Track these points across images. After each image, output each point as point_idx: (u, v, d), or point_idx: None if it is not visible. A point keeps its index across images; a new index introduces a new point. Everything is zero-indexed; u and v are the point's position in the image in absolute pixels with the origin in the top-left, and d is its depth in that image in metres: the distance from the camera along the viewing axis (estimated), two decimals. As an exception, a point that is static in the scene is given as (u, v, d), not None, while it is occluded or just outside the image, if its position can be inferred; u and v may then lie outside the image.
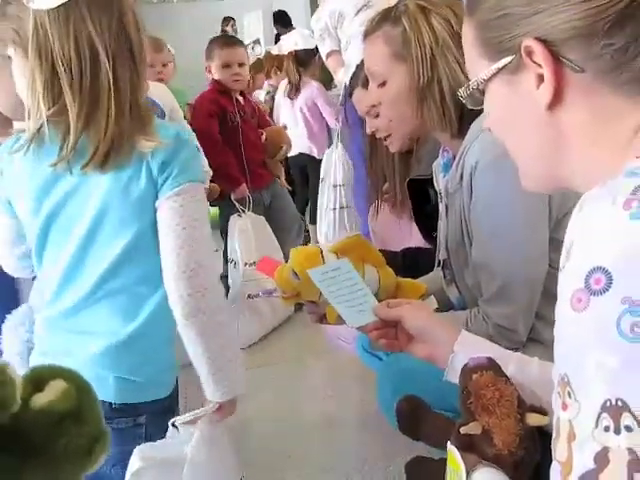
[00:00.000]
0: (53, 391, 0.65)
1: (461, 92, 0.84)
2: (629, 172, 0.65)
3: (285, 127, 4.10)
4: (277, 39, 5.96)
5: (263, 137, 3.26)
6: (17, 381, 0.63)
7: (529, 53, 0.71)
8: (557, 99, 0.71)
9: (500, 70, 0.76)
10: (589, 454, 0.61)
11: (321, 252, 1.37)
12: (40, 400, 0.64)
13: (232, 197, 2.99)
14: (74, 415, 0.66)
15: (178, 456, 1.16)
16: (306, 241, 3.86)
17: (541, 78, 0.71)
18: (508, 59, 0.74)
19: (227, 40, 3.24)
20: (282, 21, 7.41)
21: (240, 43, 3.26)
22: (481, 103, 0.83)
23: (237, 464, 1.29)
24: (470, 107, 0.86)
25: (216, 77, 3.10)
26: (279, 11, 7.79)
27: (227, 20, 7.95)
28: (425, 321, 1.17)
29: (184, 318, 1.14)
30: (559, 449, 0.67)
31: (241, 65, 3.10)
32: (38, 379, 0.67)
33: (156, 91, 2.55)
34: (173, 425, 1.18)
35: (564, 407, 0.66)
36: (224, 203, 3.11)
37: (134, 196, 1.15)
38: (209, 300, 1.15)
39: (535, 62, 0.71)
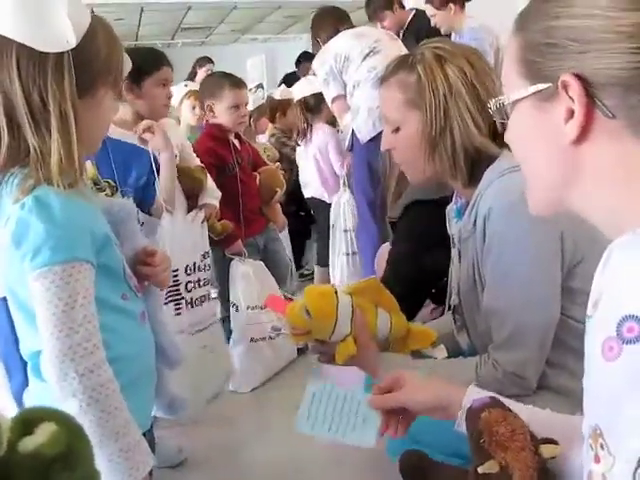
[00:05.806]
0: (42, 434, 0.63)
1: (491, 104, 0.85)
2: None
3: (284, 169, 3.96)
4: (284, 80, 5.80)
5: (257, 180, 3.19)
6: (3, 425, 0.61)
7: (565, 86, 0.72)
8: (583, 136, 0.72)
9: (534, 94, 0.76)
10: None
11: (335, 292, 1.37)
12: (29, 444, 0.62)
13: (226, 252, 2.89)
14: (64, 459, 0.63)
15: None
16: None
17: (571, 113, 0.72)
18: (544, 86, 0.75)
19: (236, 81, 3.08)
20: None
21: (244, 83, 3.16)
22: (507, 117, 0.84)
23: None
24: (496, 120, 0.87)
25: (221, 119, 3.01)
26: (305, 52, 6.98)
27: (204, 60, 6.65)
28: (431, 400, 1.13)
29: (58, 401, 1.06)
30: None
31: (245, 105, 3.09)
32: (28, 421, 0.64)
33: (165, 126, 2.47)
34: None
35: (597, 460, 0.64)
36: (217, 251, 2.91)
37: None
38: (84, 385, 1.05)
39: (569, 96, 0.72)
